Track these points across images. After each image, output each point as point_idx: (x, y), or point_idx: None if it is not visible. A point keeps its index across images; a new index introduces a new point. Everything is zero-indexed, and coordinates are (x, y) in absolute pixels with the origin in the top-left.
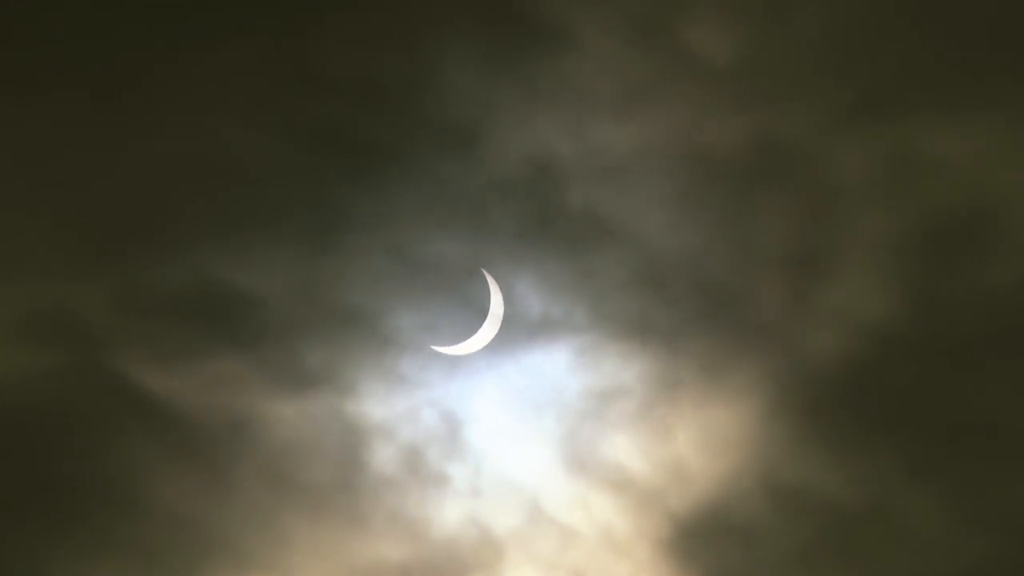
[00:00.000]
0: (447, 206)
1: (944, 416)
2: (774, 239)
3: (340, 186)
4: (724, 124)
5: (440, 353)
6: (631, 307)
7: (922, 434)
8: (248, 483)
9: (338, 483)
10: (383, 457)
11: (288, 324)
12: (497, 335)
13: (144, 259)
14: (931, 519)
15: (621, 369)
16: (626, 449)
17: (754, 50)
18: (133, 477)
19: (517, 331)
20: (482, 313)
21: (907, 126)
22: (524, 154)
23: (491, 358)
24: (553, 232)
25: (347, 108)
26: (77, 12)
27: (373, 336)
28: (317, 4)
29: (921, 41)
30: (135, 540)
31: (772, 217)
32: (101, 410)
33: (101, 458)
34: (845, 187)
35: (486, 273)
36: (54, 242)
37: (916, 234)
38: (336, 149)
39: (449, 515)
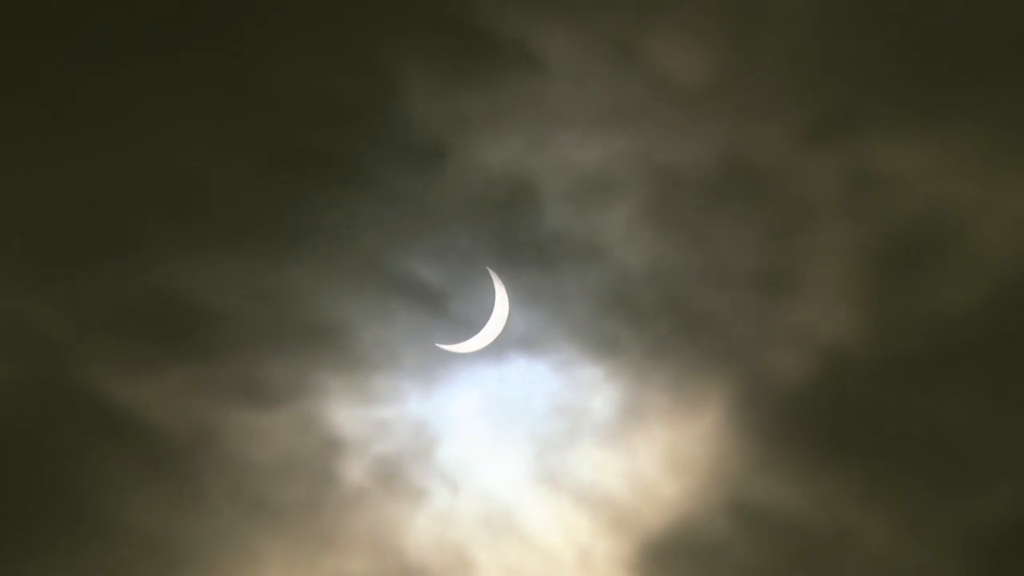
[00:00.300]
0: (417, 222)
1: (904, 435)
2: (740, 258)
3: (309, 201)
4: (691, 144)
5: (441, 352)
6: (602, 326)
7: (882, 453)
8: (217, 498)
9: (308, 498)
10: (354, 472)
11: (256, 338)
12: (468, 352)
13: (109, 272)
14: (891, 538)
15: (591, 388)
16: (596, 467)
17: (720, 71)
18: (99, 492)
19: (488, 348)
20: (487, 310)
21: (869, 144)
22: (495, 172)
23: (461, 374)
24: (523, 250)
25: (313, 124)
26: (40, 26)
27: (343, 350)
28: (283, 21)
29: (881, 59)
30: (101, 556)
31: (739, 236)
32: (65, 424)
33: (65, 473)
34: (809, 205)
35: (491, 271)
36: (15, 255)
37: (878, 252)
38: (307, 165)
39: (420, 531)
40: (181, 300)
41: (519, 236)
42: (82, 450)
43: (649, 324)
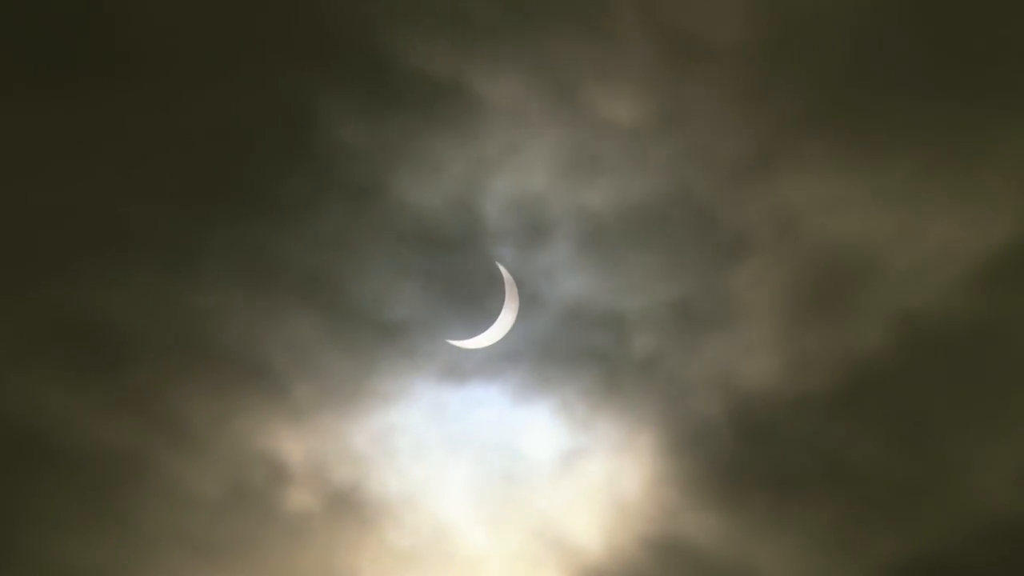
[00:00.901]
0: (356, 254)
1: (823, 472)
2: (674, 296)
3: (239, 231)
4: (628, 183)
5: (457, 347)
6: (540, 368)
7: (800, 489)
8: (151, 531)
9: (250, 530)
10: (299, 504)
11: (192, 365)
12: (408, 388)
13: (31, 295)
14: (808, 572)
15: (532, 425)
16: (542, 502)
17: (654, 111)
18: (22, 524)
19: (429, 385)
20: (496, 307)
21: (798, 179)
22: (431, 209)
23: (405, 405)
24: (459, 288)
25: (242, 159)
26: None
27: (287, 377)
28: (217, 57)
29: (806, 96)
30: None
31: (674, 274)
32: None
33: None
34: (741, 242)
35: (500, 266)
36: None
37: (802, 288)
38: (236, 196)
39: (367, 564)
40: (110, 327)
41: (455, 274)
42: (3, 480)
43: (589, 367)
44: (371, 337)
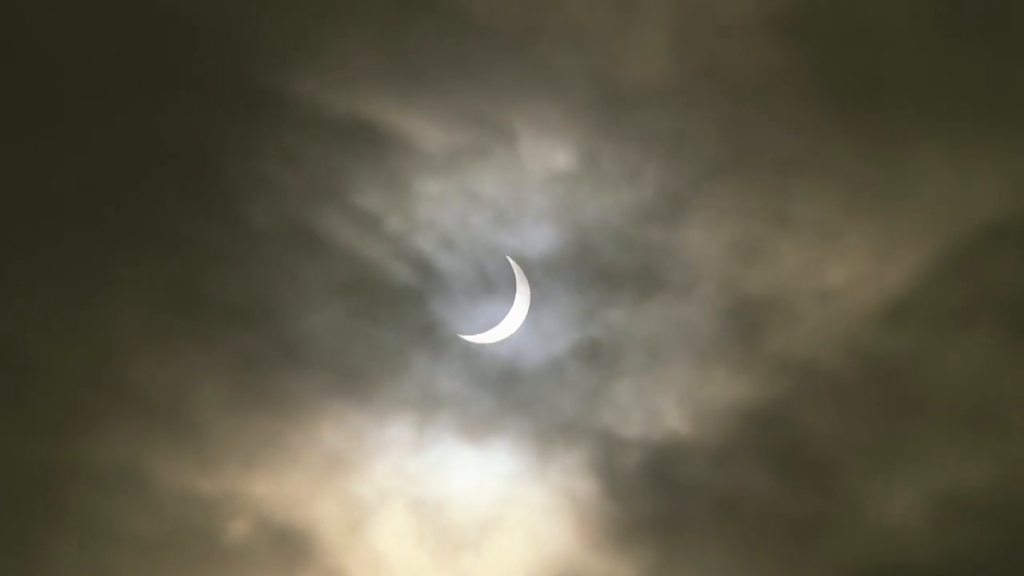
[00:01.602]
0: (278, 292)
1: (723, 515)
2: (587, 344)
3: (165, 267)
4: (551, 227)
5: (470, 343)
6: (461, 413)
7: (699, 533)
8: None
9: (180, 566)
10: (234, 539)
11: (96, 399)
12: (346, 425)
13: None
14: None
15: (462, 474)
16: (468, 547)
17: (581, 153)
18: None
19: (367, 421)
20: (508, 303)
21: (709, 227)
22: (360, 254)
23: (338, 446)
24: (390, 334)
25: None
26: None
27: (215, 414)
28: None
29: (725, 136)
30: None
31: (586, 322)
32: None
33: None
34: (649, 290)
35: (511, 261)
36: None
37: (710, 335)
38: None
39: None
40: (19, 354)
41: (385, 320)
42: None
43: (515, 414)
44: (309, 372)
